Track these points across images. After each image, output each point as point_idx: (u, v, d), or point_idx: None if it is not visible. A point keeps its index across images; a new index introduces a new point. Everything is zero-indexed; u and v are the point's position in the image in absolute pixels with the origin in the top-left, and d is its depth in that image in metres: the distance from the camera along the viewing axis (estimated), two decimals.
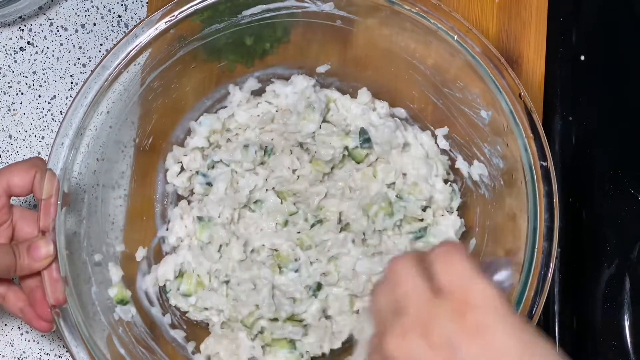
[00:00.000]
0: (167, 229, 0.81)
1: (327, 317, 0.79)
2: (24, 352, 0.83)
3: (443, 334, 0.50)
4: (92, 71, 0.73)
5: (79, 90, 0.73)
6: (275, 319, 0.77)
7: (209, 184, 0.80)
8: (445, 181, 0.80)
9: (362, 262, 0.77)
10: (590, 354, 0.81)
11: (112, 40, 0.88)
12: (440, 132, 0.80)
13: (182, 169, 0.81)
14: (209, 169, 0.80)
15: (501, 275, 0.55)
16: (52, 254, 0.69)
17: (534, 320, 0.67)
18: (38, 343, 0.83)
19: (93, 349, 0.69)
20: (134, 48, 0.73)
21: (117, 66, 0.73)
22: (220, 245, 0.79)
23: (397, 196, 0.79)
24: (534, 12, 0.86)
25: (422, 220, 0.79)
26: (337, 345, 0.78)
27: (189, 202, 0.81)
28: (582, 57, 0.86)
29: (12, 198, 0.70)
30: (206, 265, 0.78)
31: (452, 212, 0.80)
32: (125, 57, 0.73)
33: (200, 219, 0.79)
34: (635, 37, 0.87)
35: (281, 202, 0.79)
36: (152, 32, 0.74)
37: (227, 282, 0.78)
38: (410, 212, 0.79)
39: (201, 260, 0.78)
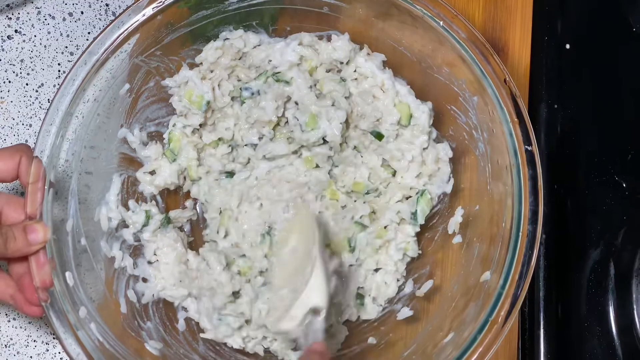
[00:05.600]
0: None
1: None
2: (11, 339, 0.83)
3: None
4: (79, 57, 0.73)
5: (66, 77, 0.73)
6: None
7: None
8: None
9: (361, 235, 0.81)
10: (575, 340, 0.81)
11: (100, 29, 0.87)
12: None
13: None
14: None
15: None
16: (47, 240, 0.69)
17: (518, 303, 0.68)
18: (25, 330, 0.83)
19: (80, 334, 0.70)
20: (121, 34, 0.74)
21: (104, 52, 0.73)
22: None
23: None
24: (519, 1, 0.86)
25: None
26: None
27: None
28: (567, 46, 0.87)
29: None
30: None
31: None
32: (112, 43, 0.74)
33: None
34: (619, 26, 0.87)
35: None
36: (139, 17, 0.74)
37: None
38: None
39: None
